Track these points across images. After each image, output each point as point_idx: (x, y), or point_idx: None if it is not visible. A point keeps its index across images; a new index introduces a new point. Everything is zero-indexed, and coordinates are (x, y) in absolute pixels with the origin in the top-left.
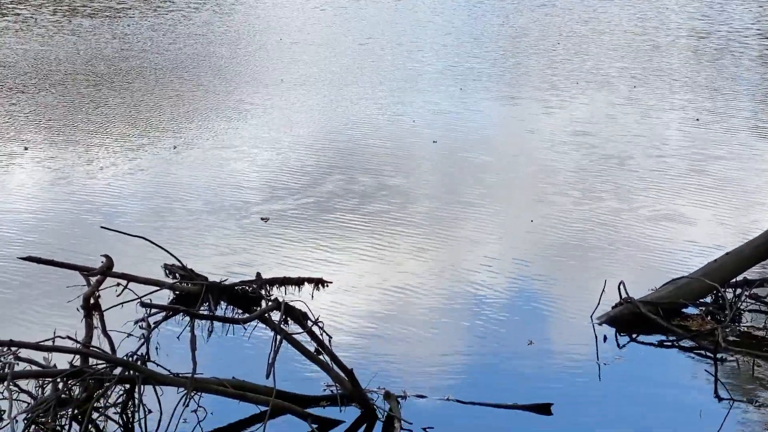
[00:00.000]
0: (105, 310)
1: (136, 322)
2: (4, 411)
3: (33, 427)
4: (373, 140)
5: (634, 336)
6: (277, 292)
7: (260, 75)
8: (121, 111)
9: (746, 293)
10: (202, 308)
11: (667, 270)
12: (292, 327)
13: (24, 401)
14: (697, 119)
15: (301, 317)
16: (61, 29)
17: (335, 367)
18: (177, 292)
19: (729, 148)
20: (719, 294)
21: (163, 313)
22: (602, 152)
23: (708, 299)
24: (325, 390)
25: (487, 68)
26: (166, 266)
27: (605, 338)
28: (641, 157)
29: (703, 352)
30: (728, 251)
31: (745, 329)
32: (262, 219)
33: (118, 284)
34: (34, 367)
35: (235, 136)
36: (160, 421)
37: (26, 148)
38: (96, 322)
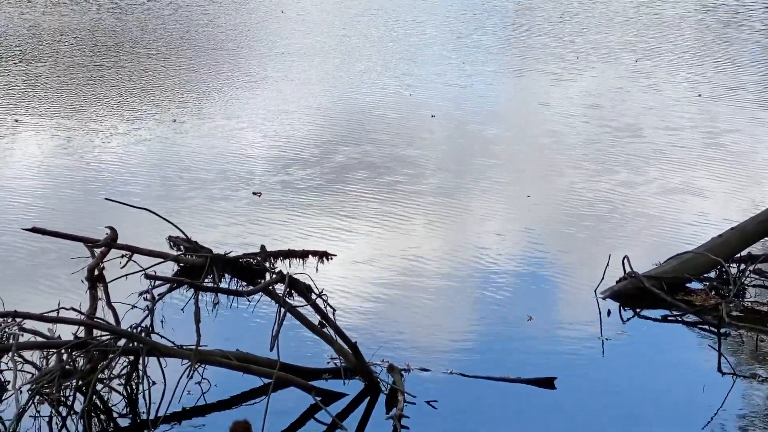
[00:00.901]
0: (109, 282)
1: (140, 294)
2: (9, 382)
3: (37, 397)
4: (380, 112)
5: (637, 311)
6: (281, 265)
7: (262, 46)
8: (122, 82)
9: (750, 268)
10: (206, 280)
11: (676, 244)
12: (297, 300)
13: (28, 372)
14: (699, 95)
15: (305, 290)
16: None
17: (339, 340)
18: (181, 264)
19: (738, 121)
20: (723, 269)
21: (168, 285)
22: (614, 125)
23: (712, 274)
24: (328, 363)
25: (492, 41)
26: (170, 238)
27: (609, 313)
28: (652, 130)
29: (706, 326)
30: (733, 226)
31: (749, 304)
32: (254, 194)
33: (123, 256)
34: (39, 338)
35: (238, 107)
36: (164, 392)
37: (17, 120)
38: (100, 293)
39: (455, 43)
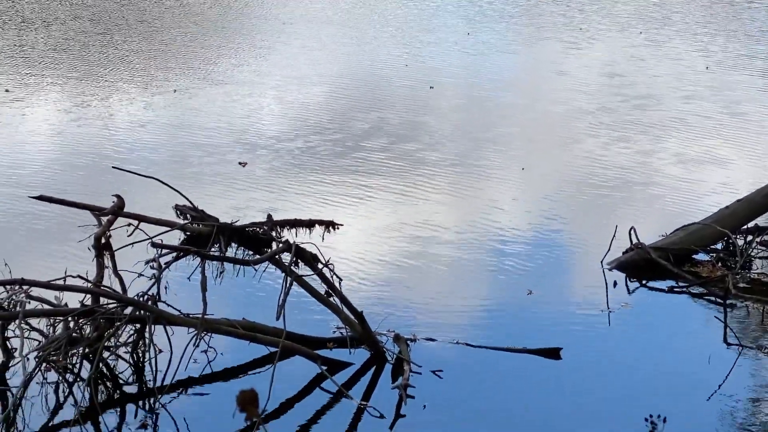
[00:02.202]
0: (116, 250)
1: (147, 263)
2: (16, 349)
3: (44, 365)
4: (388, 80)
5: (644, 282)
6: (288, 234)
7: (262, 16)
8: (126, 51)
9: (757, 240)
10: (212, 249)
11: (685, 215)
12: (303, 269)
13: (35, 339)
14: (707, 67)
15: (311, 259)
16: None
17: (345, 310)
18: (188, 233)
19: (752, 91)
20: (730, 240)
21: (174, 254)
22: (630, 93)
23: (719, 246)
24: (334, 332)
25: (501, 9)
26: (177, 207)
27: (615, 284)
28: (666, 100)
29: (713, 298)
30: (740, 198)
31: (756, 276)
32: (240, 164)
33: (129, 224)
34: (46, 306)
35: (244, 74)
36: (170, 360)
37: (7, 90)
38: (107, 261)
39: (465, 10)
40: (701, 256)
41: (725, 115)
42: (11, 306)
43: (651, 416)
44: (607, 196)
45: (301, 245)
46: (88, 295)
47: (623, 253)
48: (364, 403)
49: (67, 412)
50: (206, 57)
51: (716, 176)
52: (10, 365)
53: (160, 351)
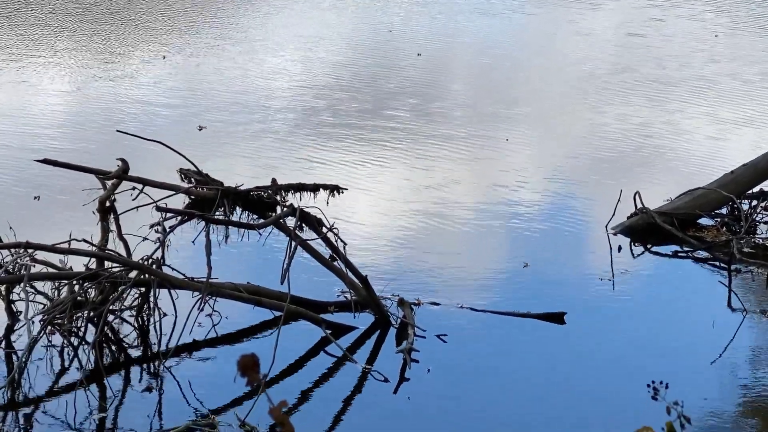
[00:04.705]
0: (120, 214)
1: (151, 226)
2: (21, 312)
3: (49, 328)
4: (394, 47)
5: (648, 246)
6: (292, 198)
7: None
8: (129, 20)
9: (762, 205)
10: (217, 213)
11: (700, 178)
12: (308, 233)
13: (40, 303)
14: (716, 35)
15: (316, 223)
16: None
17: (350, 274)
18: (192, 197)
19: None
20: (735, 205)
21: (179, 218)
22: (649, 54)
23: (723, 210)
24: (339, 296)
25: None
26: (181, 170)
27: (620, 248)
28: (688, 61)
29: (717, 263)
30: (745, 163)
31: (760, 241)
32: (198, 128)
33: (134, 188)
34: (50, 270)
35: (256, 36)
36: (174, 324)
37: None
38: (111, 225)
39: None
40: (706, 221)
41: (746, 79)
42: (16, 269)
43: (653, 382)
44: (624, 158)
45: (306, 209)
46: (93, 259)
47: (628, 217)
48: (369, 367)
49: (72, 375)
50: (215, 20)
51: (735, 139)
52: (15, 328)
53: (165, 314)
